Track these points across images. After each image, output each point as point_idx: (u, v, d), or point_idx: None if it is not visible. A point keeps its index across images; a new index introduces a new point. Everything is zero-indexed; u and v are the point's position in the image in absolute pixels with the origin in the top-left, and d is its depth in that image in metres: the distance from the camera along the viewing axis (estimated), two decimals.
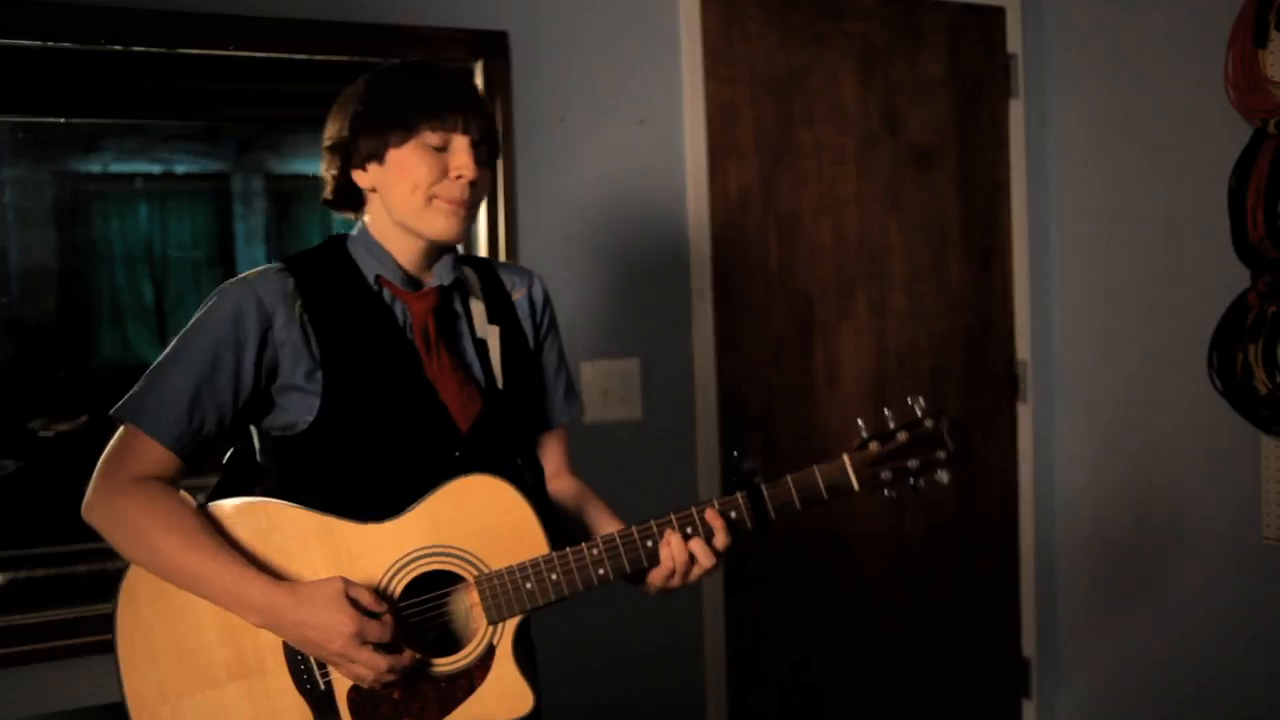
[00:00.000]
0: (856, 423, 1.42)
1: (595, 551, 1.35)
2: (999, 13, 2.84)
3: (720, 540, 1.38)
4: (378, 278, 1.41)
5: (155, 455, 1.32)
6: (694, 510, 1.38)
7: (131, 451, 1.32)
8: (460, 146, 1.36)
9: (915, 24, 2.76)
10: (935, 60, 2.78)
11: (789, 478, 1.39)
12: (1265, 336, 2.29)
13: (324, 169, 1.45)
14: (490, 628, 1.34)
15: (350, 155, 1.40)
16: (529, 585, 1.34)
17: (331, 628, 1.24)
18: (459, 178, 1.35)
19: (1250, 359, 2.32)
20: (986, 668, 2.94)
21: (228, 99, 2.61)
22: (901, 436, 1.40)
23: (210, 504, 1.33)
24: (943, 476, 1.41)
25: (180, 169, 3.03)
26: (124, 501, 1.30)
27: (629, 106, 2.50)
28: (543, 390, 1.58)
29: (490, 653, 1.34)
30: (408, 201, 1.37)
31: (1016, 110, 2.87)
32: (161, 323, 3.04)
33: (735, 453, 1.41)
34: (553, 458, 1.61)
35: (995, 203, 2.87)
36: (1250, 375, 2.32)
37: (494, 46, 2.35)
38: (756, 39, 2.59)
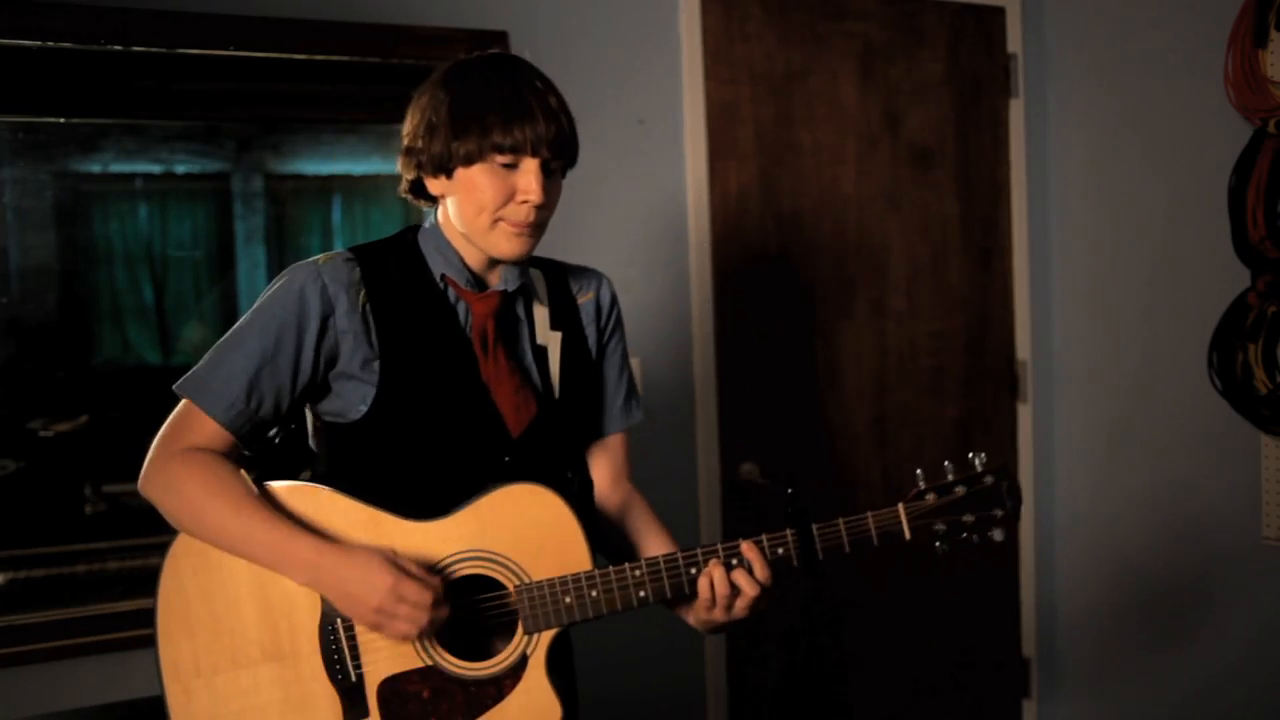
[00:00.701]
0: (915, 472, 1.43)
1: (638, 573, 1.36)
2: (999, 13, 2.84)
3: (761, 575, 1.37)
4: (443, 276, 1.41)
5: (211, 431, 1.33)
6: (741, 542, 1.37)
7: (189, 426, 1.33)
8: (529, 168, 1.32)
9: (915, 24, 2.76)
10: (935, 60, 2.78)
11: (840, 521, 1.39)
12: (1265, 336, 2.29)
13: (399, 165, 1.44)
14: (526, 638, 1.34)
15: (422, 163, 1.38)
16: (568, 599, 1.34)
17: (372, 582, 1.25)
18: (524, 202, 1.33)
19: (1250, 359, 2.32)
20: (986, 668, 2.94)
21: (228, 99, 2.61)
22: (959, 491, 1.41)
23: (263, 484, 1.34)
24: (997, 535, 1.41)
25: (180, 169, 3.02)
26: (176, 469, 1.31)
27: (629, 106, 2.50)
28: (603, 396, 1.55)
29: (523, 663, 1.34)
30: (473, 221, 1.36)
31: (1016, 110, 2.87)
32: (162, 323, 3.04)
33: (790, 490, 1.41)
34: (610, 464, 1.58)
35: (995, 203, 2.87)
36: (1250, 375, 2.32)
37: (494, 47, 2.35)
38: (756, 39, 2.59)
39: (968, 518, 1.40)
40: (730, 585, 1.36)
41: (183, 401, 1.35)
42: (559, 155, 1.34)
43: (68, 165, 2.84)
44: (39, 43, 2.04)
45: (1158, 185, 2.60)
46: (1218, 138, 2.37)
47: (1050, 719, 2.99)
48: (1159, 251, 2.61)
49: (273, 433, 1.45)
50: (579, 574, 1.34)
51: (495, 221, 1.34)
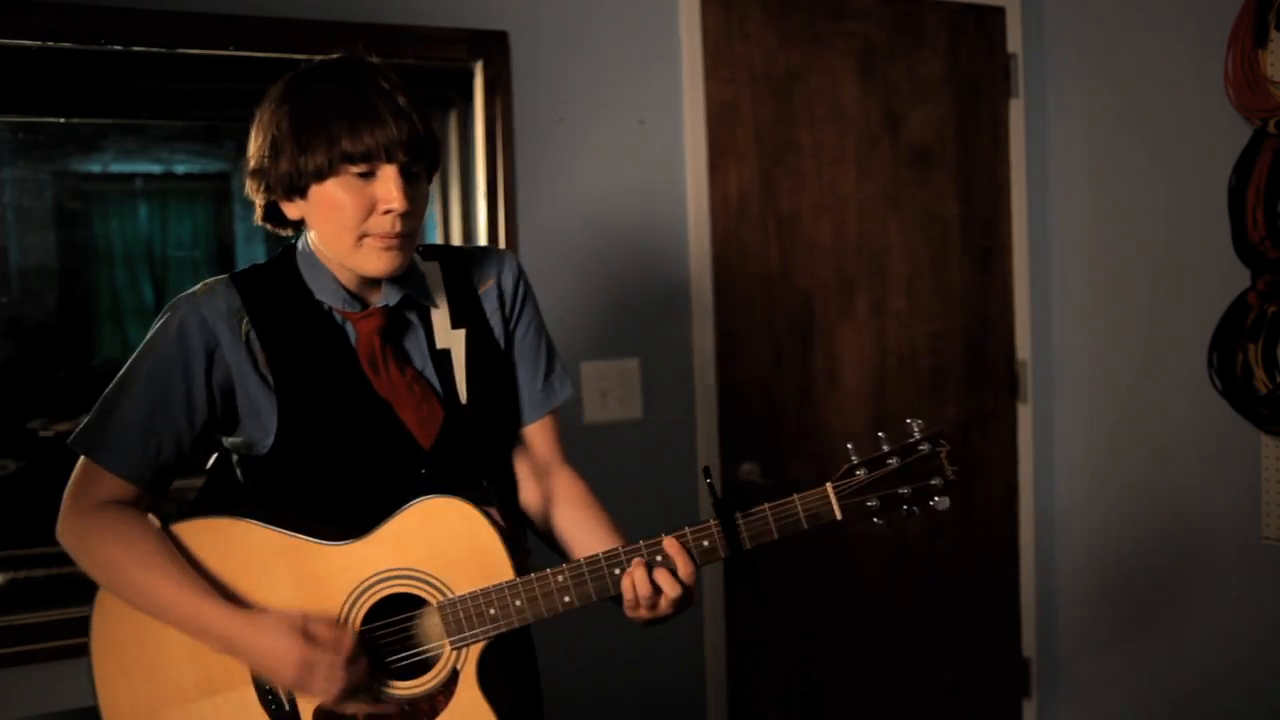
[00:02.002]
0: (847, 448, 1.35)
1: (561, 579, 1.29)
2: (999, 13, 2.84)
3: (684, 571, 1.29)
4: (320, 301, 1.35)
5: (114, 484, 1.30)
6: (663, 538, 1.31)
7: (92, 480, 1.30)
8: (386, 175, 1.23)
9: (915, 24, 2.76)
10: (935, 60, 2.78)
11: (766, 507, 1.31)
12: (1265, 336, 2.29)
13: (249, 191, 1.34)
14: (454, 652, 1.30)
15: (271, 186, 1.29)
16: (492, 611, 1.29)
17: (281, 656, 1.23)
18: (388, 212, 1.24)
19: (1250, 359, 2.32)
20: (986, 668, 2.94)
21: (228, 99, 2.61)
22: (893, 462, 1.33)
23: (175, 524, 1.31)
24: (940, 504, 1.33)
25: (180, 169, 3.03)
26: (88, 528, 1.29)
27: (629, 106, 2.50)
28: (517, 382, 1.48)
29: (454, 678, 1.31)
30: (337, 241, 1.27)
31: (1016, 110, 2.87)
32: None
33: (709, 481, 1.34)
34: (539, 451, 1.50)
35: (995, 203, 2.87)
36: (1250, 375, 2.32)
37: (494, 46, 2.35)
38: (756, 39, 2.59)
39: (904, 490, 1.32)
40: (652, 585, 1.28)
41: (82, 456, 1.31)
42: (417, 158, 1.25)
43: (68, 165, 2.84)
44: (39, 43, 2.04)
45: (1158, 185, 2.60)
46: (1218, 138, 2.37)
47: (1050, 719, 2.99)
48: (1159, 251, 2.61)
49: (210, 461, 1.43)
50: (501, 584, 1.29)
51: (360, 238, 1.26)
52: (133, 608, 1.29)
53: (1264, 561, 2.38)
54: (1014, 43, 2.85)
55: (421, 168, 1.28)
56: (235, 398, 1.32)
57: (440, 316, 1.40)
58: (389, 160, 1.23)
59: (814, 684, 2.73)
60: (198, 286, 1.35)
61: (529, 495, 1.50)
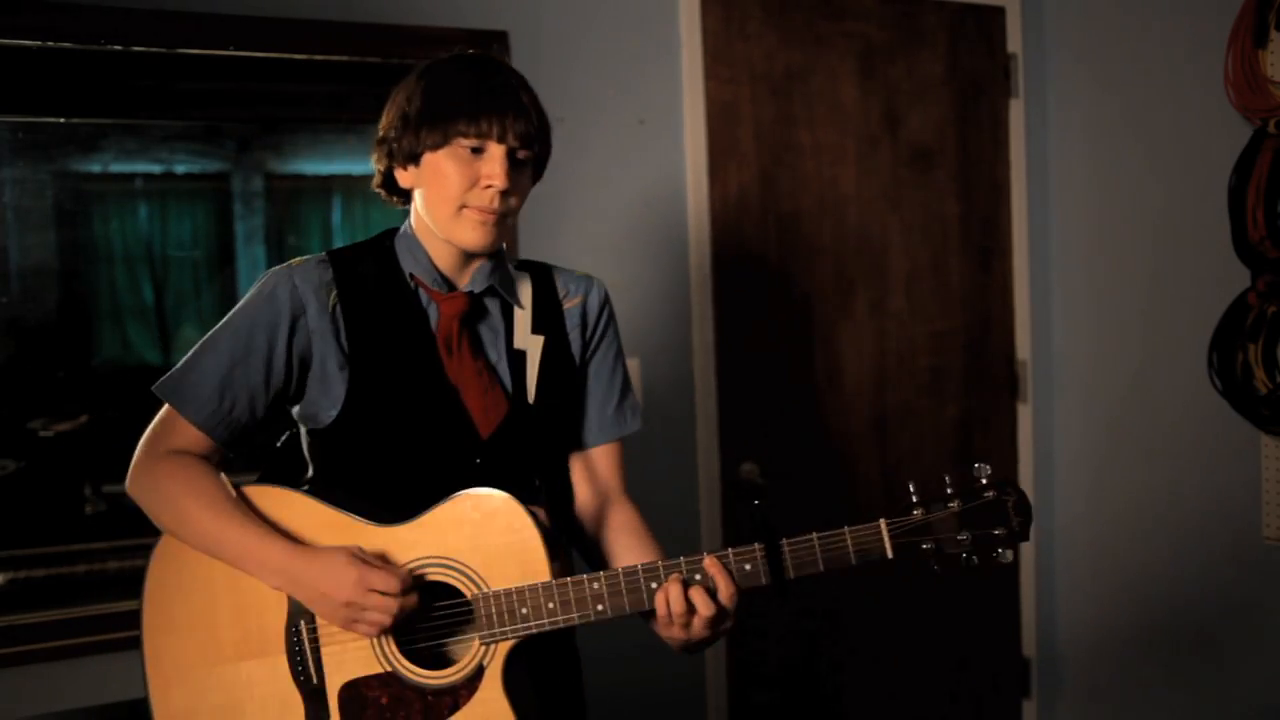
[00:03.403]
0: (908, 486, 1.29)
1: (596, 586, 1.30)
2: (999, 13, 2.84)
3: (725, 593, 1.29)
4: (412, 275, 1.41)
5: (189, 433, 1.36)
6: (704, 556, 1.30)
7: (168, 428, 1.36)
8: (494, 154, 1.32)
9: (915, 24, 2.76)
10: (935, 60, 2.78)
11: (814, 536, 1.28)
12: (1265, 336, 2.29)
13: (373, 159, 1.44)
14: (482, 648, 1.31)
15: (393, 153, 1.39)
16: (524, 610, 1.30)
17: (339, 578, 1.26)
18: (488, 187, 1.32)
19: (1250, 359, 2.32)
20: (986, 668, 2.94)
21: (228, 99, 2.61)
22: (953, 506, 1.27)
23: (240, 487, 1.36)
24: (1005, 556, 1.27)
25: (180, 169, 3.02)
26: (158, 471, 1.34)
27: (629, 106, 2.50)
28: (585, 404, 1.51)
29: (479, 674, 1.31)
30: (439, 209, 1.36)
31: (1016, 110, 2.87)
32: (162, 323, 3.04)
33: (756, 501, 1.32)
34: (595, 477, 1.52)
35: (995, 203, 2.87)
36: (1250, 375, 2.32)
37: (494, 46, 2.35)
38: (756, 39, 2.59)
39: (963, 536, 1.27)
40: (686, 603, 1.27)
41: (164, 405, 1.37)
42: (526, 145, 1.34)
43: (68, 165, 2.84)
44: (39, 43, 2.05)
45: (1158, 185, 2.60)
46: (1218, 138, 2.37)
47: (1050, 719, 2.99)
48: (1159, 251, 2.61)
49: (282, 440, 1.47)
50: (536, 584, 1.30)
51: (460, 208, 1.34)
52: (188, 557, 1.33)
53: (1264, 561, 2.38)
54: (1014, 43, 2.85)
55: (529, 157, 1.36)
56: (310, 368, 1.38)
57: (523, 318, 1.45)
58: (499, 141, 1.32)
59: (814, 683, 2.73)
60: (296, 259, 1.42)
61: (585, 512, 1.51)
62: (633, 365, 2.51)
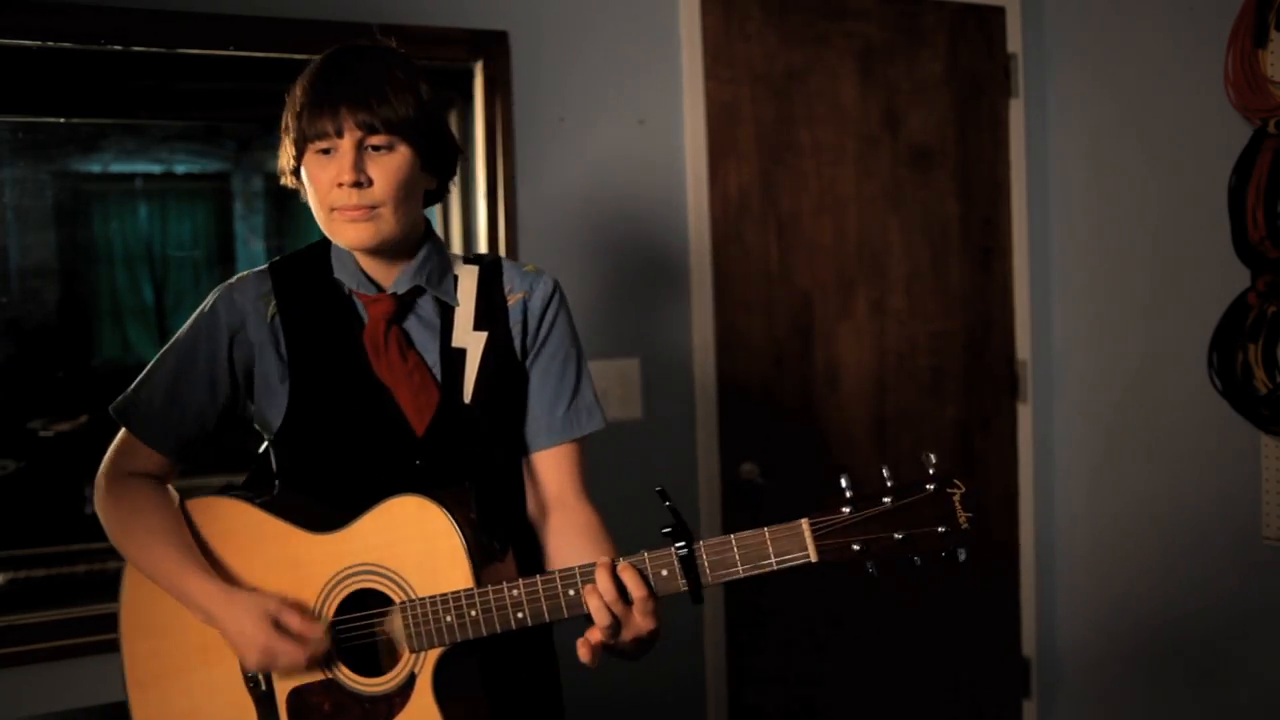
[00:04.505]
0: (839, 480, 1.16)
1: (515, 593, 1.24)
2: (999, 13, 2.84)
3: (639, 593, 1.21)
4: (340, 281, 1.40)
5: (142, 451, 1.39)
6: (620, 561, 1.22)
7: (124, 448, 1.40)
8: (340, 149, 1.28)
9: (915, 24, 2.76)
10: (935, 60, 2.78)
11: (733, 538, 1.18)
12: (1265, 336, 2.29)
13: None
14: (413, 656, 1.30)
15: (281, 169, 1.39)
16: (449, 618, 1.26)
17: (249, 638, 1.28)
18: (340, 185, 1.28)
19: (1250, 359, 2.32)
20: (986, 668, 2.94)
21: (228, 99, 2.61)
22: (886, 502, 1.14)
23: (189, 500, 1.39)
24: (959, 555, 1.14)
25: (180, 169, 3.03)
26: (112, 496, 1.38)
27: (629, 106, 2.50)
28: (531, 404, 1.45)
29: (411, 682, 1.30)
30: (318, 216, 1.34)
31: (1016, 110, 2.87)
32: (161, 323, 3.04)
33: (667, 503, 1.21)
34: (550, 480, 1.45)
35: (995, 203, 2.87)
36: (1250, 375, 2.32)
37: (494, 46, 2.35)
38: (756, 39, 2.59)
39: (897, 535, 1.13)
40: (617, 587, 1.19)
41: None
42: (372, 130, 1.28)
43: (68, 165, 2.84)
44: (39, 43, 2.05)
45: (1158, 185, 2.60)
46: (1218, 138, 2.37)
47: (1050, 719, 2.99)
48: (1159, 251, 2.61)
49: (263, 447, 1.47)
50: (458, 592, 1.26)
51: (330, 211, 1.31)
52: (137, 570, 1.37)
53: (1264, 561, 2.38)
54: (1014, 43, 2.85)
55: (386, 142, 1.29)
56: (254, 381, 1.39)
57: (463, 316, 1.41)
58: (338, 134, 1.28)
59: (814, 683, 2.73)
60: (241, 273, 1.43)
61: (535, 517, 1.47)
62: (632, 365, 2.51)
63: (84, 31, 2.06)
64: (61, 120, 2.66)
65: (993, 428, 2.90)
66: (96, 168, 2.91)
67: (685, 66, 2.53)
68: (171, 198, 3.06)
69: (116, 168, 2.96)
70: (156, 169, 3.00)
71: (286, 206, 3.13)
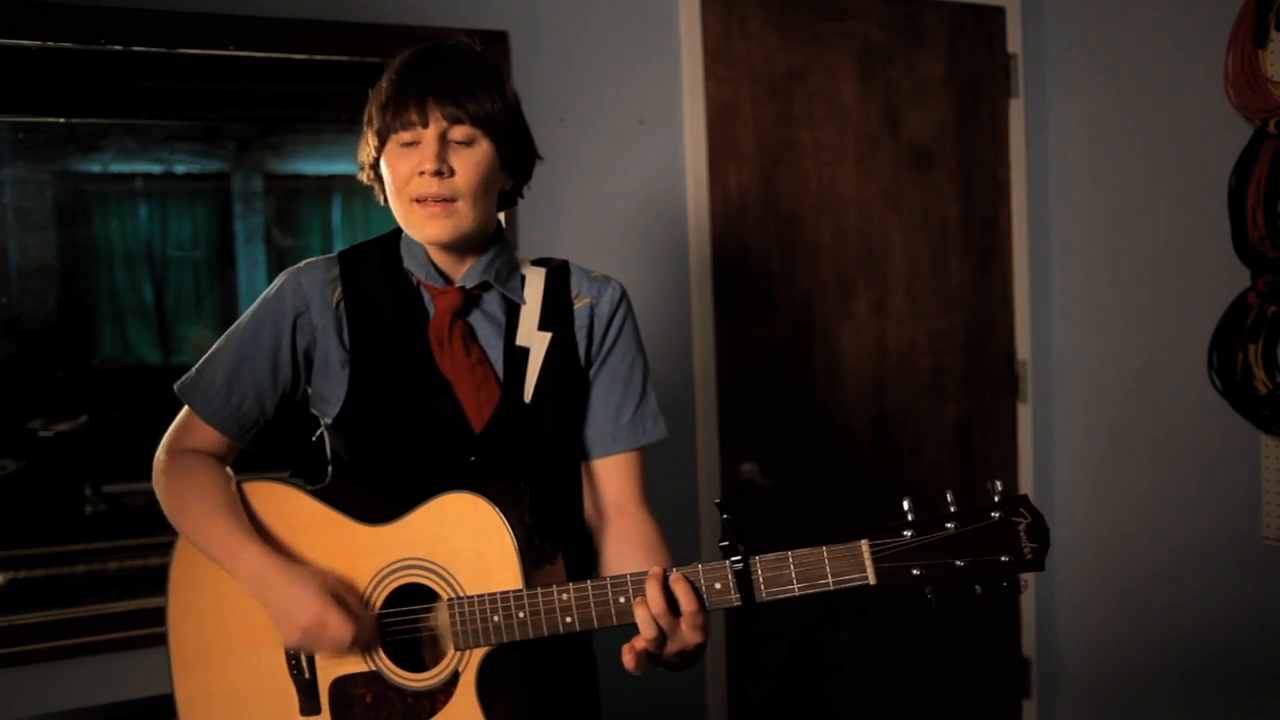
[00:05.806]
0: (902, 503, 1.15)
1: (565, 597, 1.24)
2: (999, 13, 2.84)
3: (687, 605, 1.20)
4: (411, 272, 1.42)
5: (202, 430, 1.40)
6: (673, 572, 1.22)
7: (184, 426, 1.41)
8: (425, 139, 1.30)
9: (915, 24, 2.76)
10: (935, 60, 2.78)
11: (790, 555, 1.16)
12: (1265, 336, 2.29)
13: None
14: (458, 654, 1.29)
15: (361, 163, 1.42)
16: (496, 618, 1.26)
17: (302, 603, 1.27)
18: (421, 174, 1.30)
19: (1250, 359, 2.32)
20: (986, 668, 2.94)
21: (228, 99, 2.61)
22: (950, 527, 1.13)
23: (244, 482, 1.39)
24: (1021, 584, 1.12)
25: (180, 169, 3.03)
26: (169, 470, 1.38)
27: (629, 106, 2.50)
28: (594, 410, 1.44)
29: (455, 679, 1.29)
30: (396, 207, 1.36)
31: (1016, 110, 2.87)
32: (162, 323, 3.04)
33: (725, 516, 1.20)
34: (616, 487, 1.45)
35: (995, 203, 2.87)
36: (1250, 375, 2.32)
37: (494, 46, 2.35)
38: (756, 39, 2.59)
39: (959, 562, 1.12)
40: (667, 599, 1.18)
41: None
42: (457, 122, 1.30)
43: (68, 165, 2.84)
44: (39, 43, 2.05)
45: (1158, 185, 2.60)
46: (1218, 138, 2.37)
47: (1050, 719, 2.99)
48: (1159, 251, 2.61)
49: (317, 434, 1.48)
50: (507, 593, 1.26)
51: (410, 203, 1.32)
52: (193, 546, 1.37)
53: (1264, 561, 2.38)
54: (1014, 43, 2.85)
55: (469, 136, 1.31)
56: (314, 364, 1.40)
57: (528, 315, 1.42)
58: (424, 125, 1.30)
59: (814, 682, 2.73)
60: (311, 259, 1.45)
61: (593, 524, 1.47)
62: None
63: (84, 31, 2.06)
64: (61, 120, 2.66)
65: (993, 428, 2.90)
66: (96, 168, 2.91)
67: (685, 67, 2.53)
68: (171, 198, 3.07)
69: (116, 168, 2.96)
70: (156, 169, 3.00)
71: (286, 207, 3.13)
